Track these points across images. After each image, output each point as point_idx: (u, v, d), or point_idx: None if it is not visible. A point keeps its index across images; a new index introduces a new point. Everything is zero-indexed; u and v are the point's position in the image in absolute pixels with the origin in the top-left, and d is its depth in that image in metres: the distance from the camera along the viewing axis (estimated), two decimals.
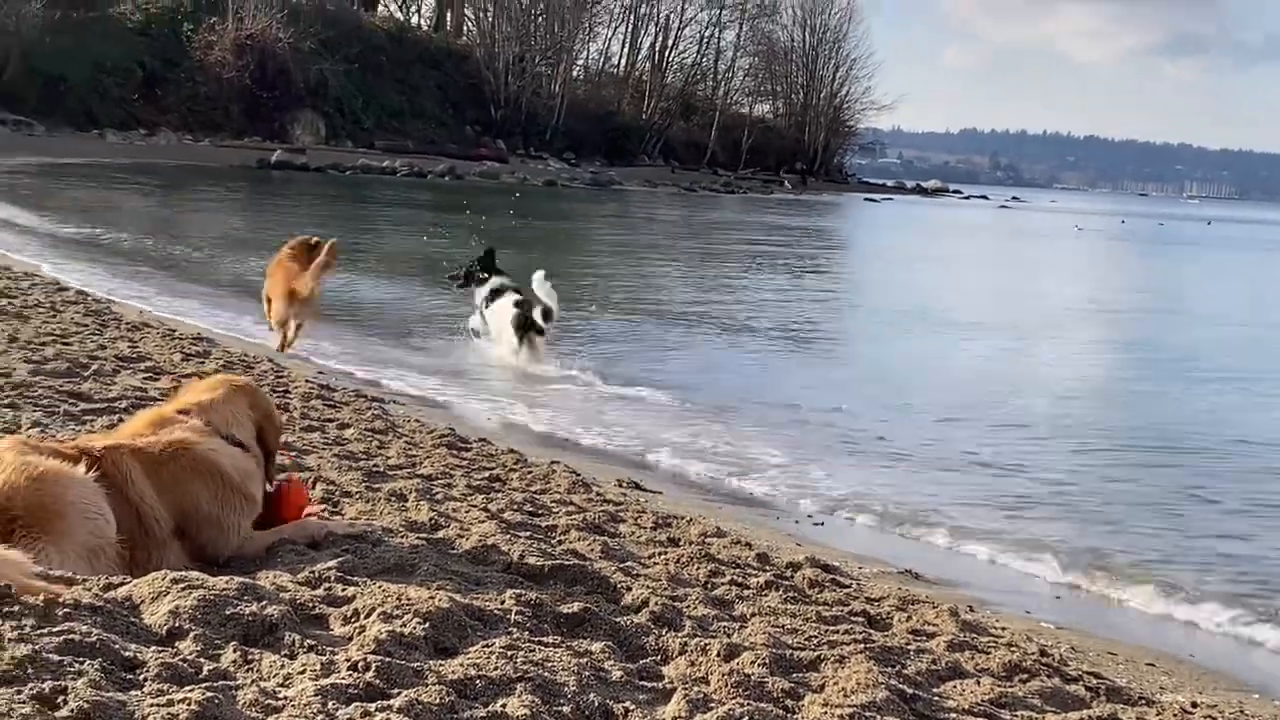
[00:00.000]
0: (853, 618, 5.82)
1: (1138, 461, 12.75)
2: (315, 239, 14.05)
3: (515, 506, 7.30)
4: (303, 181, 64.10)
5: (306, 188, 58.40)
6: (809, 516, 9.62)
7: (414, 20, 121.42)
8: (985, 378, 18.09)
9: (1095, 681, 5.49)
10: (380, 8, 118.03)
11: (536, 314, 15.10)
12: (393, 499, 6.76)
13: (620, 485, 9.36)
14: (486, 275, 15.83)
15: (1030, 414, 15.06)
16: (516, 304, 15.30)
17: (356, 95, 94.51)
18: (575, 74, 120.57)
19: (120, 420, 7.01)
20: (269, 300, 13.78)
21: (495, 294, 15.57)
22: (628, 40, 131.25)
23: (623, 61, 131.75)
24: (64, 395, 8.44)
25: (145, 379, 9.71)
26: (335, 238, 14.30)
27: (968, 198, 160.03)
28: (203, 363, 11.22)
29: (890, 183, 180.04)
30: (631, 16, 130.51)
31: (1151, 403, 17.07)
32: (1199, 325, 28.45)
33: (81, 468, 4.64)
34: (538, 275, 15.44)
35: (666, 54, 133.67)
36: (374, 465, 7.94)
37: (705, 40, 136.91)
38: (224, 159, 72.18)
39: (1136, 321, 29.08)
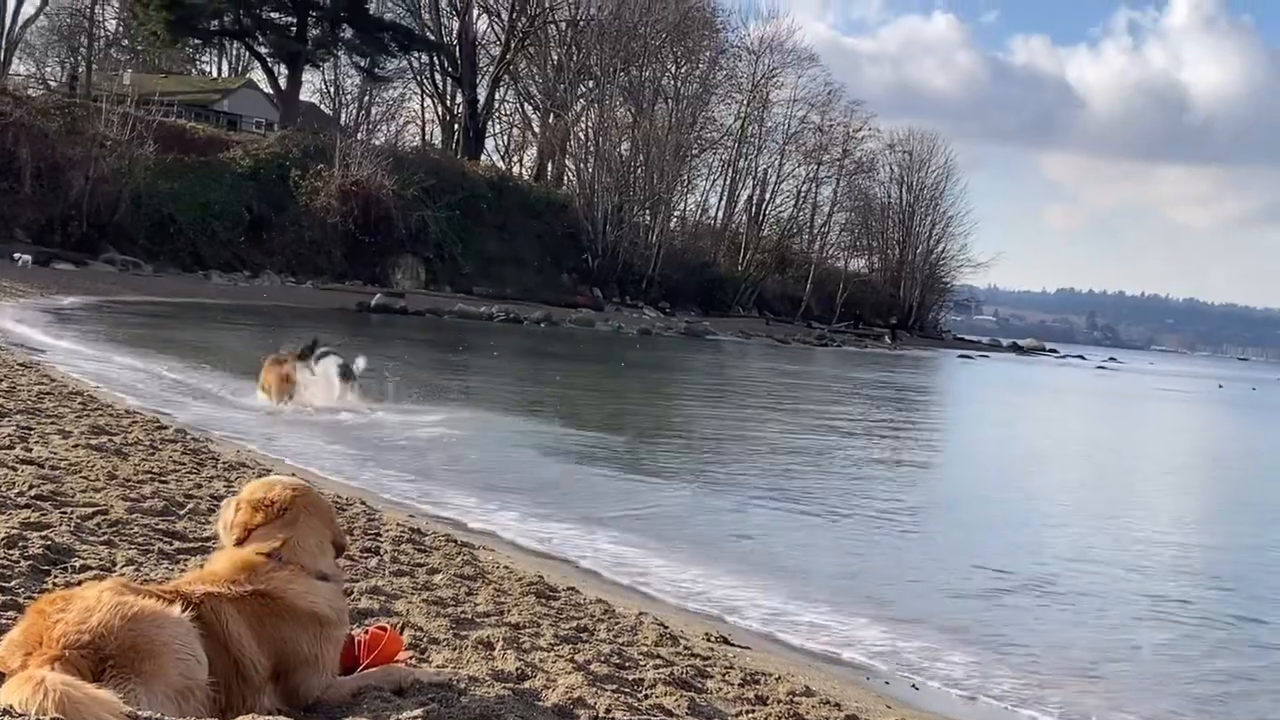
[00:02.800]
0: None
1: None
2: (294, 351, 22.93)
3: (602, 658, 7.22)
4: (400, 325, 64.91)
5: (403, 331, 59.11)
6: (901, 678, 9.45)
7: (515, 170, 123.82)
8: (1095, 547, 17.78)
9: None
10: (483, 157, 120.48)
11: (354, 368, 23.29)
12: (480, 647, 6.72)
13: (709, 639, 9.25)
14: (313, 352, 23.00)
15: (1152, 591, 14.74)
16: (339, 364, 22.91)
17: (457, 241, 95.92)
18: (672, 225, 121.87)
19: None
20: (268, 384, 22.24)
21: (320, 357, 22.88)
22: (725, 193, 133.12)
23: (720, 213, 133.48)
24: (159, 534, 8.52)
25: None
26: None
27: (1064, 357, 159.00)
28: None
29: (985, 340, 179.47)
30: (730, 170, 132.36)
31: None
32: None
33: (177, 608, 4.66)
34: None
35: (763, 207, 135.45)
36: (462, 612, 7.90)
37: (802, 195, 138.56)
38: (325, 301, 73.35)
39: None
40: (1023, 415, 48.31)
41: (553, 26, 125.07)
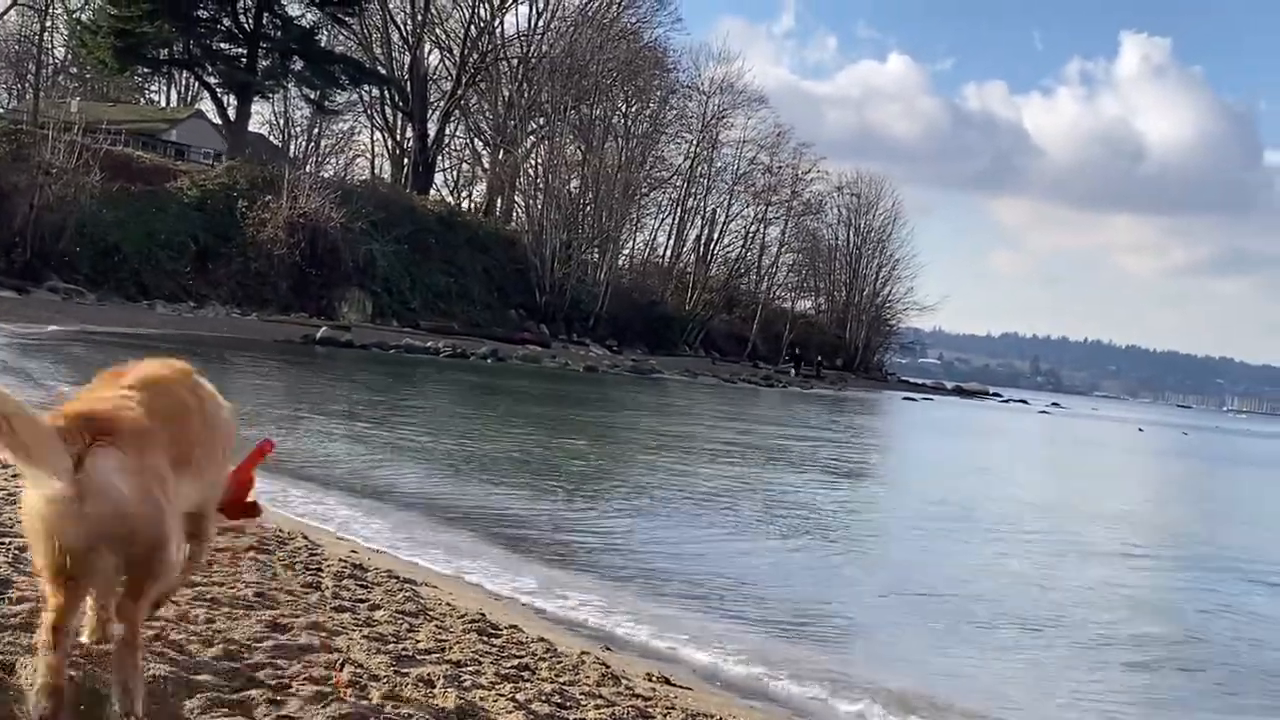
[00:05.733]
0: None
1: None
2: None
3: (544, 697, 7.20)
4: (346, 359, 64.57)
5: (349, 366, 58.82)
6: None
7: (465, 205, 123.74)
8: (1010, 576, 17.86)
9: None
10: (432, 192, 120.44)
11: None
12: (420, 684, 6.69)
13: (650, 679, 9.24)
14: None
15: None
16: None
17: (404, 275, 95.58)
18: (621, 263, 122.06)
19: None
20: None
21: None
22: (674, 231, 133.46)
23: (668, 252, 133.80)
24: None
25: None
26: None
27: (1006, 401, 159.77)
28: (236, 537, 11.20)
29: (929, 382, 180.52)
30: (678, 209, 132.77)
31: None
32: None
33: None
34: None
35: (712, 247, 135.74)
36: (403, 649, 7.86)
37: (750, 235, 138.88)
38: (270, 333, 72.78)
39: None
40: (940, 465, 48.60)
41: (504, 63, 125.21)
